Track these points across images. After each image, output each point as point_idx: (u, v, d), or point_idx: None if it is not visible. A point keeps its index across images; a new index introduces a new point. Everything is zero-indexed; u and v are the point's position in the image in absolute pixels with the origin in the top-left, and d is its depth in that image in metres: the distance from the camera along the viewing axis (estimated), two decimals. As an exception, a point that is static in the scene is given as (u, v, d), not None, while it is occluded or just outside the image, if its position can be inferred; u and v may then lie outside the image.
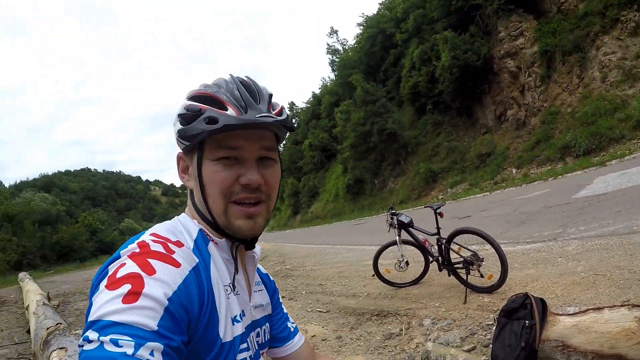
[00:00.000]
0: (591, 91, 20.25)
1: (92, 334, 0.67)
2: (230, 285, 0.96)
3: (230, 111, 0.91)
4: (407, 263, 5.68)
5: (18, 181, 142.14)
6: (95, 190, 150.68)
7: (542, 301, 2.63)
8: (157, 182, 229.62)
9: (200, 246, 0.94)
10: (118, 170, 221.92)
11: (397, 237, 5.59)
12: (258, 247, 1.08)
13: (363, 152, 37.18)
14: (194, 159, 0.96)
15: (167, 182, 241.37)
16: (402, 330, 4.05)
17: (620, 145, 16.87)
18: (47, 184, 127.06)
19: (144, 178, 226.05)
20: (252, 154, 0.95)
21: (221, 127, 0.89)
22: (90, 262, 33.81)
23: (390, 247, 5.89)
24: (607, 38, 20.24)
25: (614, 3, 19.99)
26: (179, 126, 0.95)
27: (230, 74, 1.01)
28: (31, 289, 9.13)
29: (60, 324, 4.24)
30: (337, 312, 5.18)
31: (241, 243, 1.01)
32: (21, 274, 17.29)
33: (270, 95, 1.00)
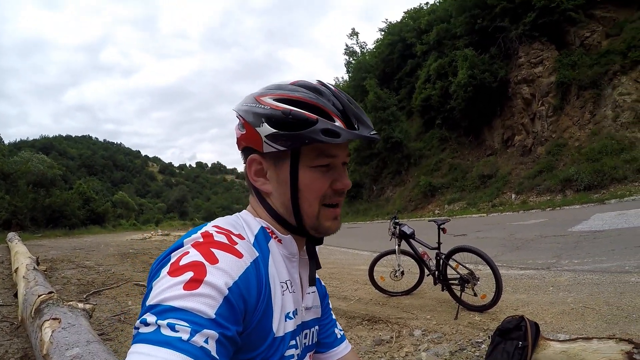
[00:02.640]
0: (601, 129, 20.42)
1: (150, 317, 0.69)
2: (287, 282, 0.98)
3: (338, 123, 0.93)
4: (402, 273, 5.76)
5: (18, 139, 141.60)
6: (94, 158, 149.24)
7: (536, 325, 2.74)
8: (156, 159, 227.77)
9: (261, 242, 0.95)
10: (119, 142, 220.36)
11: (397, 247, 5.69)
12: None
13: (366, 157, 37.38)
14: (285, 164, 0.97)
15: (166, 160, 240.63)
16: (392, 337, 4.12)
17: (622, 186, 17.05)
18: (46, 146, 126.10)
19: (143, 153, 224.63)
20: (341, 161, 1.00)
21: (345, 141, 0.92)
22: (79, 231, 33.10)
23: (388, 256, 6.00)
24: (625, 79, 20.43)
25: (637, 45, 20.20)
26: (270, 129, 0.93)
27: (318, 80, 1.02)
28: (20, 251, 8.94)
29: (53, 292, 4.09)
30: (328, 313, 5.21)
31: (315, 242, 1.07)
32: (10, 234, 16.90)
33: None
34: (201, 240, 0.84)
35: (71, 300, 3.95)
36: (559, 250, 7.84)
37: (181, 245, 0.84)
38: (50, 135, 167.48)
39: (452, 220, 18.00)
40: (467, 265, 4.93)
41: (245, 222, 1.00)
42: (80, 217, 38.34)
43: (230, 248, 0.83)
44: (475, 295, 4.80)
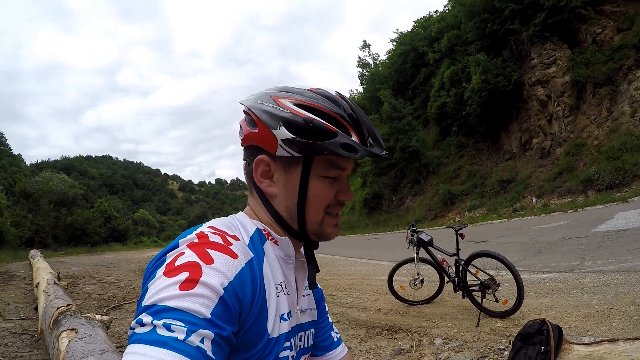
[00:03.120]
0: (619, 125, 20.05)
1: (146, 318, 0.69)
2: (282, 284, 0.98)
3: (354, 138, 0.95)
4: (422, 281, 5.70)
5: (39, 160, 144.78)
6: (114, 178, 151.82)
7: (559, 328, 2.66)
8: (175, 177, 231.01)
9: (256, 243, 0.95)
10: (138, 161, 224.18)
11: (415, 255, 5.63)
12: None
13: (384, 168, 37.27)
14: (296, 170, 0.97)
15: (185, 177, 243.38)
16: (412, 347, 4.06)
17: (644, 183, 16.68)
18: (67, 166, 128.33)
19: (162, 171, 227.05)
20: (347, 173, 1.03)
21: (361, 157, 0.94)
22: (100, 248, 33.78)
23: (406, 264, 5.93)
24: (640, 72, 20.07)
25: (650, 37, 19.82)
26: (288, 134, 0.92)
27: (337, 92, 1.02)
28: (41, 267, 9.15)
29: (71, 305, 4.15)
30: (347, 324, 5.19)
31: (312, 247, 1.07)
32: (32, 251, 17.23)
33: None
34: (196, 241, 0.84)
35: (89, 313, 3.99)
36: (582, 251, 7.69)
37: (176, 246, 0.84)
38: (71, 156, 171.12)
39: (473, 227, 17.97)
40: (487, 271, 4.87)
41: (241, 224, 1.00)
42: (101, 235, 38.97)
43: (225, 249, 0.83)
44: (496, 301, 4.71)
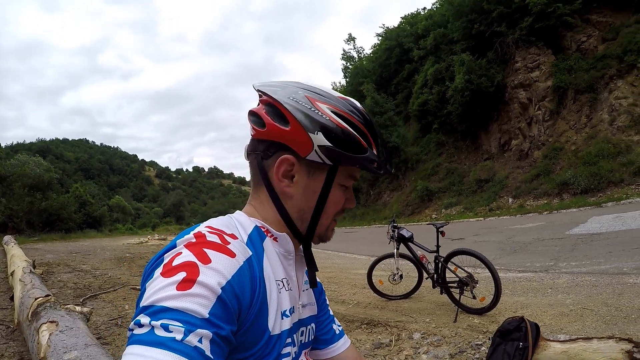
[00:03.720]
0: (597, 132, 20.51)
1: (143, 319, 0.69)
2: (283, 280, 0.98)
3: (374, 151, 0.99)
4: (401, 276, 5.76)
5: (15, 142, 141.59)
6: (90, 162, 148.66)
7: (537, 326, 2.74)
8: (153, 163, 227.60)
9: (255, 240, 0.95)
10: (115, 146, 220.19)
11: (396, 250, 5.69)
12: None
13: (363, 162, 37.42)
14: (320, 176, 0.98)
15: (163, 164, 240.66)
16: (391, 341, 4.11)
17: (618, 189, 17.10)
18: (43, 149, 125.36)
19: (140, 157, 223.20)
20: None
21: (382, 174, 1.01)
22: (75, 234, 33.12)
23: (386, 260, 5.99)
24: (621, 82, 20.57)
25: (633, 49, 20.32)
26: (326, 142, 0.92)
27: (360, 105, 1.04)
28: (16, 254, 8.90)
29: (50, 295, 4.03)
30: (326, 316, 5.19)
31: (310, 246, 1.09)
32: (6, 237, 16.76)
33: None
34: (194, 240, 0.83)
35: (68, 304, 3.92)
36: (556, 253, 7.87)
37: (174, 246, 0.84)
38: (47, 139, 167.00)
39: (450, 225, 18.10)
40: (465, 268, 4.95)
41: (239, 222, 0.99)
42: (76, 221, 38.18)
43: (222, 248, 0.83)
44: (474, 298, 4.80)
